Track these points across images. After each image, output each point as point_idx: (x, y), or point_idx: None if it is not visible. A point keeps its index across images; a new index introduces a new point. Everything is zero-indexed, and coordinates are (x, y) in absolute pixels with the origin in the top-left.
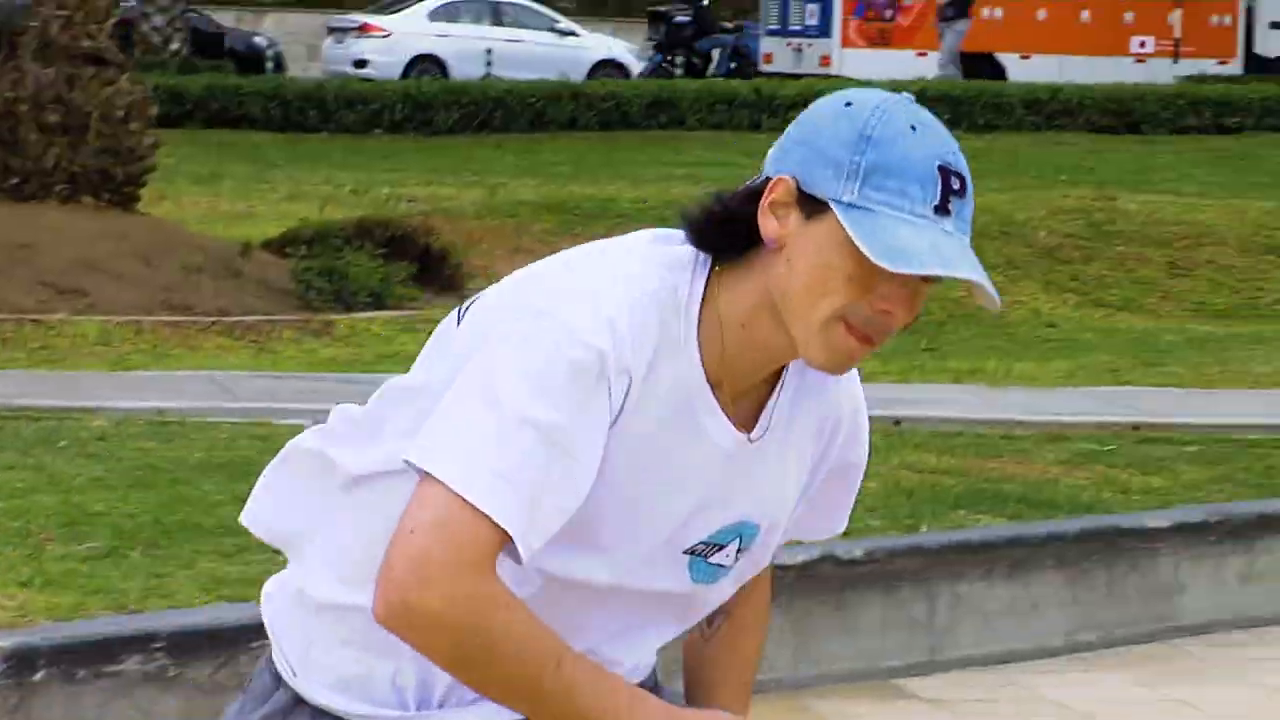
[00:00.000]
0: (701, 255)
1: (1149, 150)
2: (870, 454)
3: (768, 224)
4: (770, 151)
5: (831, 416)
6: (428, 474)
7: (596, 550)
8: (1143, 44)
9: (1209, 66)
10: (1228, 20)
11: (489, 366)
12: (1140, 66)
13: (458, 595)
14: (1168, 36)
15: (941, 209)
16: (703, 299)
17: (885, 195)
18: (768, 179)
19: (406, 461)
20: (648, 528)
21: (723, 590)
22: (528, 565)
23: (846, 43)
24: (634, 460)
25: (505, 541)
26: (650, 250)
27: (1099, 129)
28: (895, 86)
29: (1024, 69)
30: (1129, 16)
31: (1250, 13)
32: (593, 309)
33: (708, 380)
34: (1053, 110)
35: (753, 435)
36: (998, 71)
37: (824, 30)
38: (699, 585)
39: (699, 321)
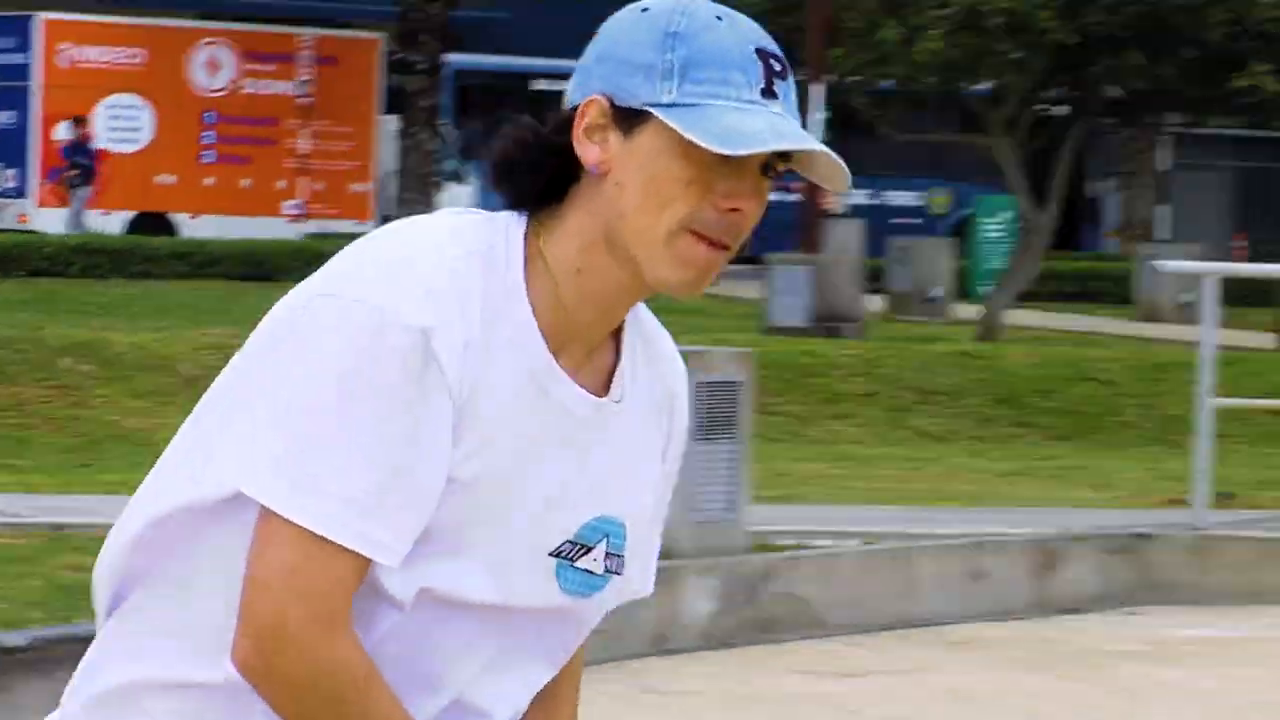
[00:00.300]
0: (514, 212)
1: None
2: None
3: (587, 151)
4: (571, 81)
5: (668, 389)
6: (267, 509)
7: (467, 557)
8: (294, 205)
9: (348, 225)
10: (365, 187)
11: (303, 370)
12: (291, 225)
13: (320, 660)
14: (314, 200)
15: (768, 92)
16: (525, 255)
17: (707, 87)
18: (575, 108)
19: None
20: (513, 525)
21: (598, 608)
22: (398, 584)
23: (43, 203)
24: (488, 445)
25: (365, 567)
26: (458, 216)
27: (238, 277)
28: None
29: (192, 227)
30: (281, 183)
31: (383, 182)
32: (406, 282)
33: (548, 342)
34: (199, 261)
35: (612, 397)
36: (169, 228)
37: (20, 192)
38: (569, 598)
39: (526, 279)
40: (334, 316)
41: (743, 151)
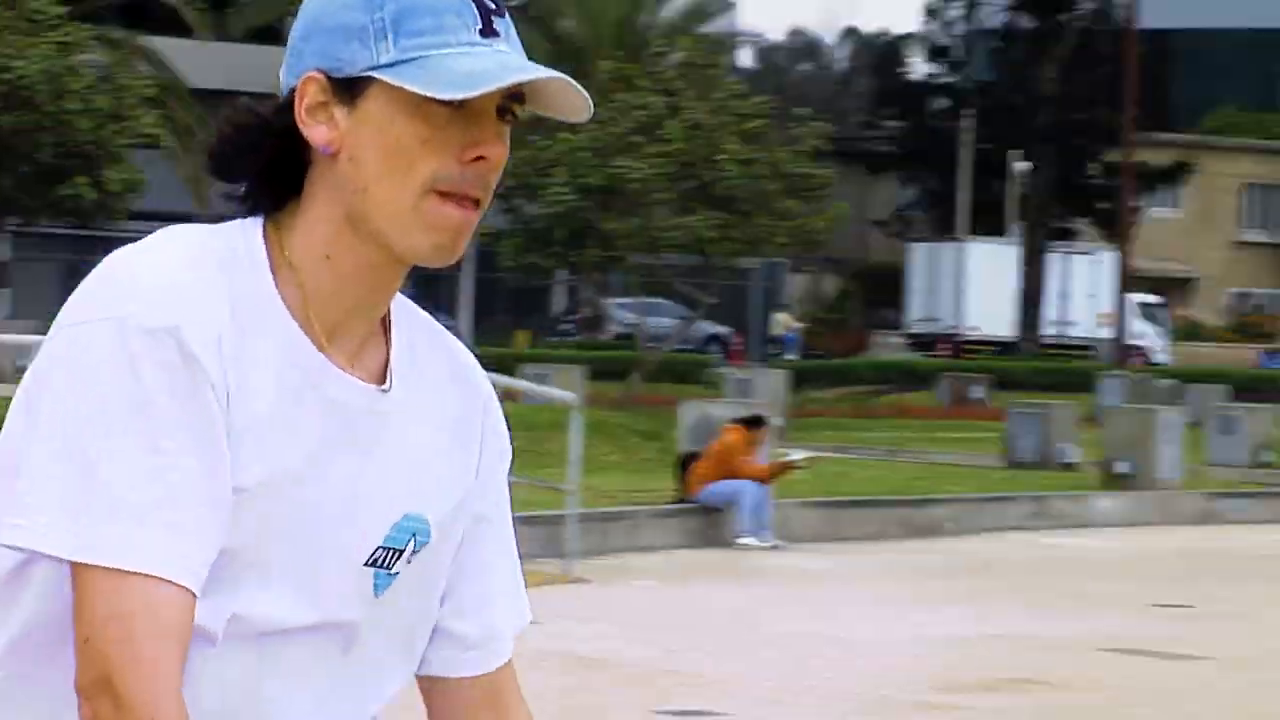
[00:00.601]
0: (248, 217)
1: None
2: None
3: (314, 132)
4: (282, 66)
5: (467, 378)
6: (72, 563)
7: (275, 576)
8: None
9: None
10: None
11: (59, 404)
12: None
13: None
14: None
15: (488, 31)
16: (269, 254)
17: (425, 38)
18: (292, 91)
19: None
20: (315, 534)
21: (398, 612)
22: (204, 614)
23: None
24: (266, 448)
25: (187, 600)
26: (185, 228)
27: None
28: None
29: None
30: None
31: None
32: (143, 287)
33: (311, 338)
34: None
35: (385, 386)
36: None
37: None
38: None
39: (274, 276)
40: (76, 343)
41: (475, 93)
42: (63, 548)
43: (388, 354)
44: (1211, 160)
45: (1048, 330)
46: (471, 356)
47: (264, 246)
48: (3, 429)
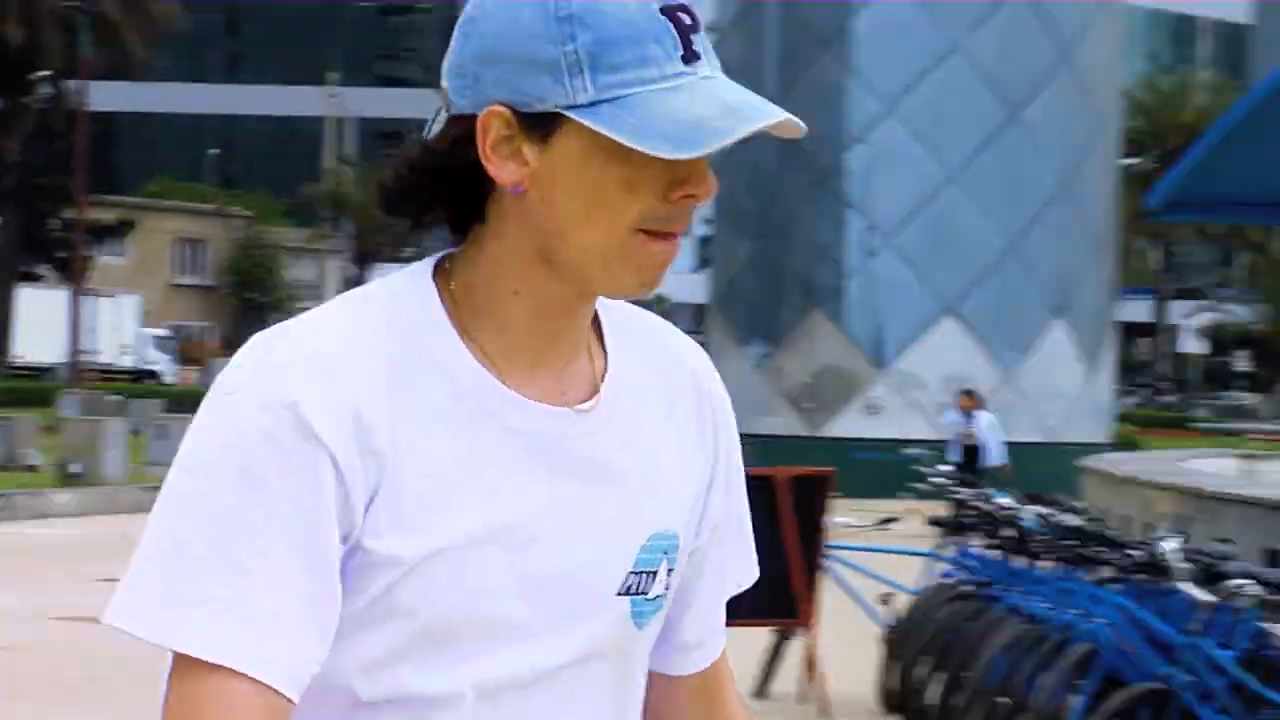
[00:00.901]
0: (416, 266)
1: None
2: None
3: (501, 170)
4: (448, 84)
5: (687, 370)
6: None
7: (520, 628)
8: None
9: None
10: None
11: (176, 473)
12: None
13: None
14: None
15: (690, 56)
16: (444, 293)
17: (625, 73)
18: (463, 118)
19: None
20: (555, 578)
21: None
22: (451, 682)
23: None
24: (465, 508)
25: (271, 702)
26: (361, 290)
27: None
28: None
29: None
30: None
31: None
32: (276, 360)
33: (495, 375)
34: None
35: (586, 406)
36: None
37: None
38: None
39: (451, 317)
40: (203, 416)
41: (703, 151)
42: (144, 630)
43: (594, 370)
44: (150, 218)
45: (94, 357)
46: (689, 342)
47: (435, 291)
48: None
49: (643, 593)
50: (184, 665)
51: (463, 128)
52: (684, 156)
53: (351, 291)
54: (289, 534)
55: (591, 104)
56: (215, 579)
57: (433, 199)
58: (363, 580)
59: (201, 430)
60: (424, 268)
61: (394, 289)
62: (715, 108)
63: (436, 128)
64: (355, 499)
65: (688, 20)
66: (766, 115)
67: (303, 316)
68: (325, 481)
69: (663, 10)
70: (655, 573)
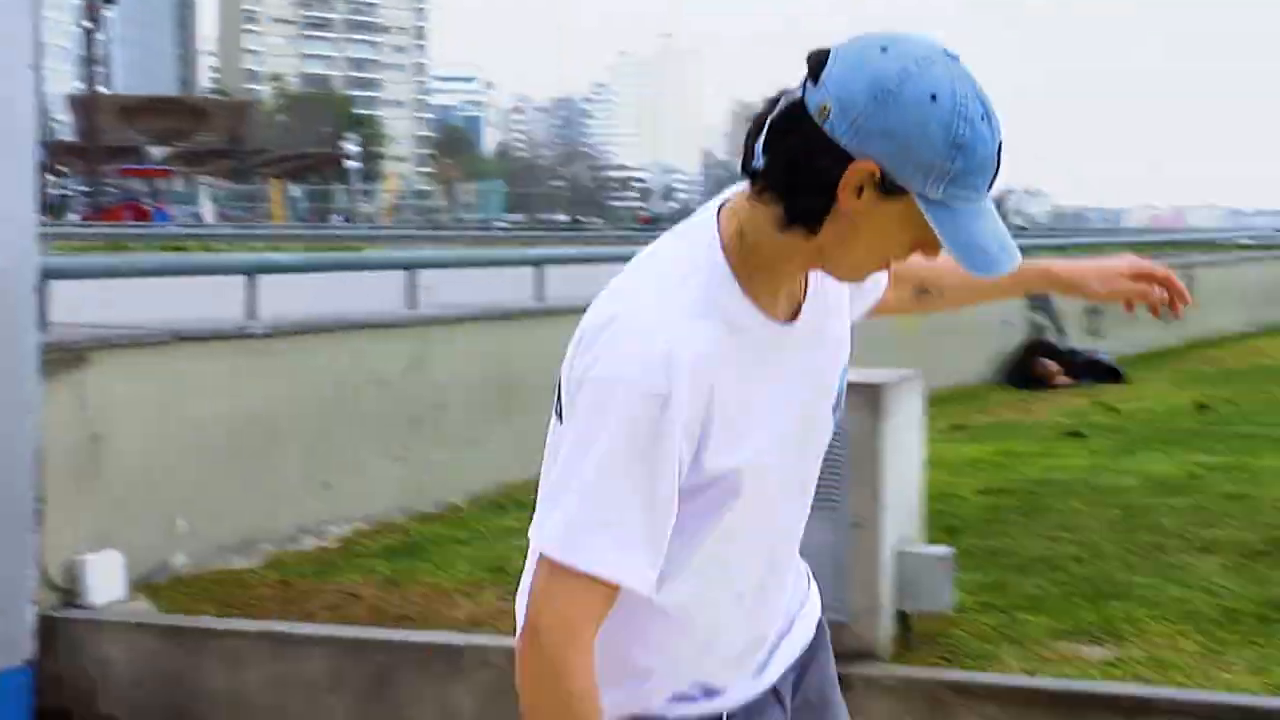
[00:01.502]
0: (707, 237)
1: None
2: None
3: (846, 200)
4: (834, 111)
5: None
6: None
7: (780, 481)
8: None
9: None
10: None
11: (581, 447)
12: None
13: (553, 661)
14: None
15: (989, 186)
16: (733, 246)
17: (965, 192)
18: (834, 143)
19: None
20: (807, 434)
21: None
22: (720, 521)
23: None
24: (765, 423)
25: (614, 596)
26: (664, 259)
27: None
28: None
29: None
30: None
31: None
32: (645, 353)
33: (770, 316)
34: None
35: (801, 319)
36: None
37: None
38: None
39: (737, 273)
40: (597, 396)
41: (994, 275)
42: (553, 549)
43: (802, 293)
44: None
45: None
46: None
47: (726, 262)
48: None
49: (839, 403)
50: (559, 569)
51: (827, 144)
52: (978, 275)
53: (653, 259)
54: (655, 484)
55: (933, 202)
56: (606, 518)
57: (804, 198)
58: (692, 493)
59: (600, 405)
60: (714, 240)
61: (697, 264)
62: (1000, 245)
63: (781, 105)
64: (695, 444)
65: (999, 162)
66: (1016, 255)
67: (630, 296)
68: (680, 444)
69: (998, 150)
70: (843, 392)
